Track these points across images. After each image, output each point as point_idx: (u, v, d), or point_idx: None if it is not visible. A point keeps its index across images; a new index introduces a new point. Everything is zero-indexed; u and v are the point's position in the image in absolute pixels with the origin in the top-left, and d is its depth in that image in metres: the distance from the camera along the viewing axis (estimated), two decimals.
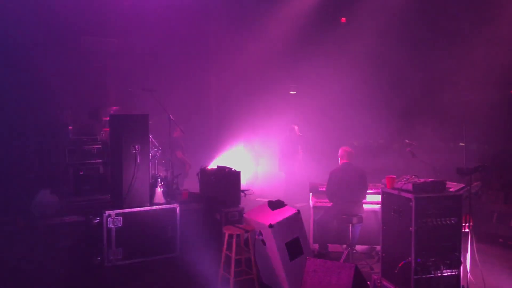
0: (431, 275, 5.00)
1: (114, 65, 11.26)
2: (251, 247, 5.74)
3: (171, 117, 8.14)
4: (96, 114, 8.11)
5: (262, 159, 10.61)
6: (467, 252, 5.45)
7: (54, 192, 7.06)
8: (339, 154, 6.92)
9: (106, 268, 6.48)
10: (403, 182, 5.24)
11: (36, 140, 7.69)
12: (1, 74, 8.17)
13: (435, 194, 5.05)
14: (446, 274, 5.05)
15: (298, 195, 9.37)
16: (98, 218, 6.71)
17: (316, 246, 7.11)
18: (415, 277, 4.95)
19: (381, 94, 11.19)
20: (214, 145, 11.34)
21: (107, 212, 6.57)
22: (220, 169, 7.94)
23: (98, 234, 6.83)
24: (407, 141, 7.62)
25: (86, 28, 10.89)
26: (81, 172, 7.48)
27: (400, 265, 5.03)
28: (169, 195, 7.59)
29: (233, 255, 5.49)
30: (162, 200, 7.21)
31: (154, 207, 6.95)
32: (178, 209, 7.08)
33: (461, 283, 5.14)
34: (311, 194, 7.51)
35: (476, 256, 5.45)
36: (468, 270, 5.36)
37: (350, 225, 6.70)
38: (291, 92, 14.02)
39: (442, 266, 5.03)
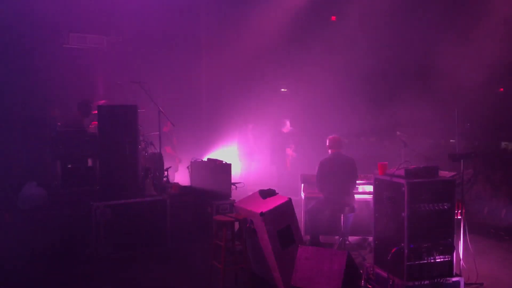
0: (424, 261, 4.96)
1: (102, 61, 11.11)
2: (242, 236, 5.66)
3: (160, 109, 8.06)
4: (85, 107, 7.98)
5: (255, 154, 10.54)
6: (459, 239, 5.40)
7: (41, 185, 6.95)
8: (327, 143, 6.84)
9: (95, 261, 6.36)
10: (395, 168, 5.19)
11: (22, 133, 7.55)
12: None
13: (427, 179, 5.01)
14: (439, 260, 5.01)
15: (290, 189, 9.30)
16: (86, 210, 6.60)
17: (308, 237, 7.04)
18: (408, 263, 4.91)
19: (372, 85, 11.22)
20: (205, 140, 11.27)
21: (95, 204, 6.46)
22: (211, 161, 7.88)
23: (86, 227, 6.72)
24: (398, 133, 7.60)
25: (74, 25, 10.76)
26: (69, 166, 7.34)
27: (392, 251, 4.98)
28: (159, 188, 7.50)
29: (223, 243, 5.40)
30: (152, 192, 7.12)
31: (143, 199, 6.85)
32: (168, 201, 6.98)
33: (454, 270, 5.10)
34: (302, 185, 7.45)
35: (469, 243, 5.42)
36: (461, 257, 5.32)
37: (342, 215, 6.65)
38: (282, 90, 14.00)
39: (435, 252, 4.99)
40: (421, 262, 4.95)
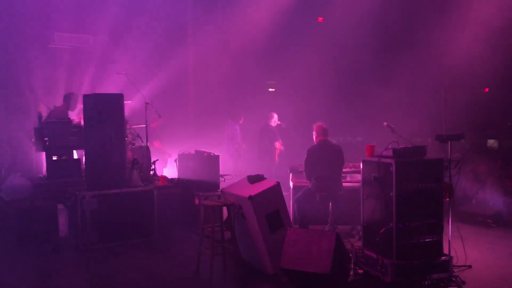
0: (413, 241, 4.94)
1: (88, 59, 11.03)
2: (231, 222, 5.61)
3: (147, 101, 8.01)
4: (70, 99, 7.89)
5: (243, 148, 10.48)
6: (448, 222, 5.40)
7: (25, 176, 6.84)
8: (314, 131, 6.82)
9: (81, 252, 6.26)
10: (383, 150, 5.19)
11: (5, 125, 7.45)
12: None
13: (416, 158, 5.01)
14: (428, 240, 5.00)
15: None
16: (72, 200, 6.50)
17: (297, 227, 6.99)
18: (397, 242, 4.89)
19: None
20: (193, 135, 11.22)
21: (81, 194, 6.36)
22: (199, 153, 7.82)
23: (72, 217, 6.62)
24: (385, 123, 7.60)
25: (60, 25, 10.70)
26: (54, 158, 7.23)
27: (381, 231, 4.96)
28: (146, 180, 7.41)
29: (211, 228, 5.35)
30: (139, 183, 7.03)
31: (130, 190, 6.77)
32: (155, 192, 6.90)
33: (443, 251, 5.10)
34: (291, 174, 7.41)
35: (457, 226, 5.42)
36: (449, 238, 5.31)
37: (331, 203, 6.62)
38: (270, 89, 14.00)
39: (424, 232, 4.97)
40: (410, 242, 4.93)
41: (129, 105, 8.47)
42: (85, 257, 6.09)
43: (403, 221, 4.90)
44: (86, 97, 6.82)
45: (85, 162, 6.82)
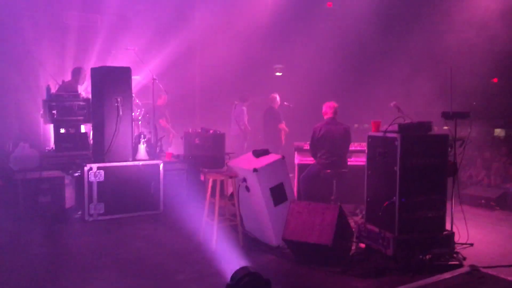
0: (416, 216, 4.98)
1: (96, 37, 11.07)
2: (235, 194, 5.67)
3: (154, 77, 8.05)
4: (78, 73, 7.93)
5: (248, 131, 10.51)
6: (451, 199, 5.42)
7: (33, 147, 6.91)
8: (323, 110, 6.84)
9: (87, 223, 6.35)
10: (388, 125, 5.21)
11: (15, 96, 7.51)
12: None
13: (421, 133, 5.03)
14: (430, 215, 5.03)
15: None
16: (79, 172, 6.58)
17: None
18: (399, 217, 4.92)
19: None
20: (199, 115, 11.27)
21: (88, 165, 6.43)
22: (205, 130, 7.86)
23: (79, 189, 6.70)
24: (393, 103, 7.59)
25: (69, 4, 10.76)
26: (63, 131, 7.30)
27: (384, 205, 5.00)
28: (152, 155, 7.47)
29: (216, 200, 5.41)
30: (146, 157, 7.10)
31: (137, 163, 6.83)
32: (161, 165, 6.96)
33: (446, 226, 5.13)
34: (296, 152, 7.45)
35: (461, 207, 5.43)
36: (452, 215, 5.34)
37: (335, 180, 6.65)
38: (277, 74, 13.97)
39: (426, 207, 5.01)
40: (412, 216, 4.97)
41: (137, 81, 8.52)
42: (92, 227, 6.18)
43: (406, 196, 4.94)
44: (93, 70, 6.86)
45: (92, 134, 6.88)
